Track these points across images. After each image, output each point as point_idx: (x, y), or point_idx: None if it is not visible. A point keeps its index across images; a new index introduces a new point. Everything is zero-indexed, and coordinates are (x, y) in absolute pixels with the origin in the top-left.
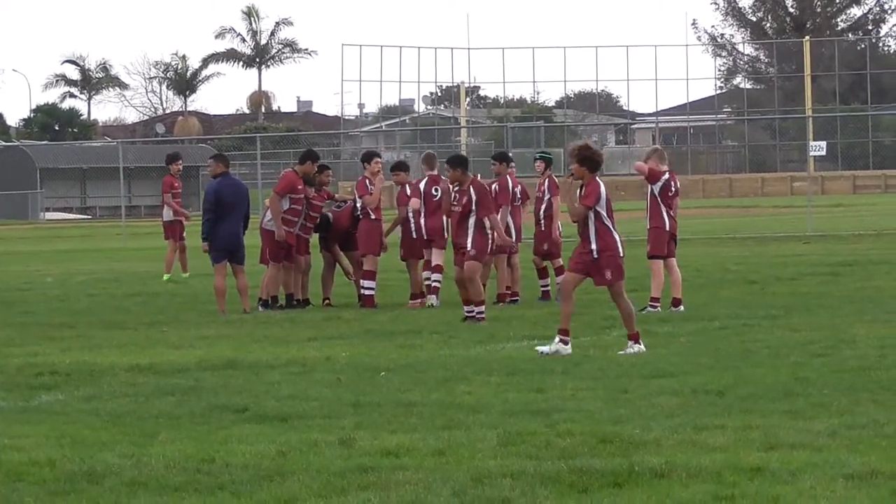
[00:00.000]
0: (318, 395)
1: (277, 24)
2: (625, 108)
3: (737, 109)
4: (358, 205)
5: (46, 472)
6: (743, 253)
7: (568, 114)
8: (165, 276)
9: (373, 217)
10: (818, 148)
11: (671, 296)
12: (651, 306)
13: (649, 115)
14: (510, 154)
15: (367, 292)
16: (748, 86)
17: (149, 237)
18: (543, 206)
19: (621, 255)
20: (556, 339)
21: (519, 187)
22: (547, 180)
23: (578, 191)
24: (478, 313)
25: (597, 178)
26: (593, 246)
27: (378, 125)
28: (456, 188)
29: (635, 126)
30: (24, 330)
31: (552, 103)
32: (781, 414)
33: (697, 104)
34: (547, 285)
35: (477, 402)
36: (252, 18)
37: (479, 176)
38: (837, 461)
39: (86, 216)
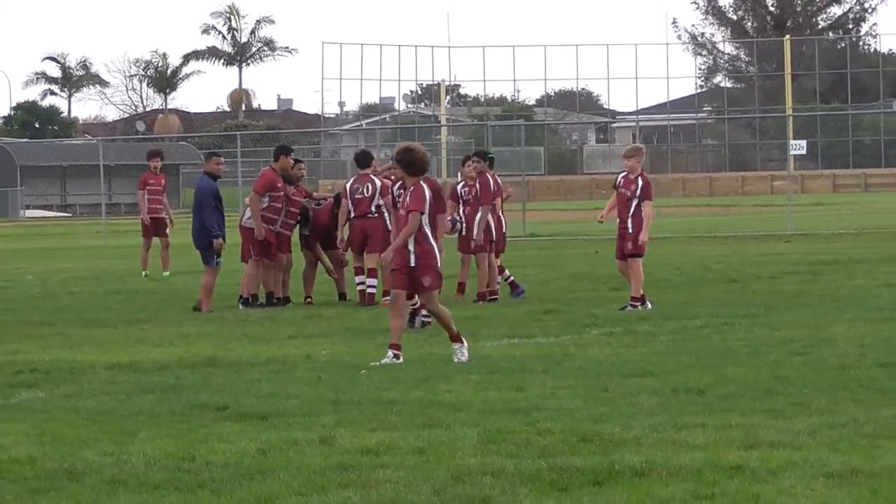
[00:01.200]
0: (299, 394)
1: (258, 21)
2: (605, 106)
3: (717, 108)
4: (377, 204)
5: (27, 470)
6: (723, 252)
7: (548, 112)
8: (143, 273)
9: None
10: (798, 147)
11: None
12: (632, 305)
13: (630, 113)
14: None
15: (371, 290)
16: (728, 84)
17: (129, 235)
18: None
19: (438, 262)
20: (389, 353)
21: (493, 184)
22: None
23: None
24: (424, 316)
25: (420, 181)
26: (411, 253)
27: (358, 123)
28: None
29: (616, 125)
30: (3, 328)
31: (532, 102)
32: (762, 413)
33: (678, 103)
34: (509, 277)
35: (457, 401)
36: (232, 17)
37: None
38: (817, 460)
39: (66, 214)
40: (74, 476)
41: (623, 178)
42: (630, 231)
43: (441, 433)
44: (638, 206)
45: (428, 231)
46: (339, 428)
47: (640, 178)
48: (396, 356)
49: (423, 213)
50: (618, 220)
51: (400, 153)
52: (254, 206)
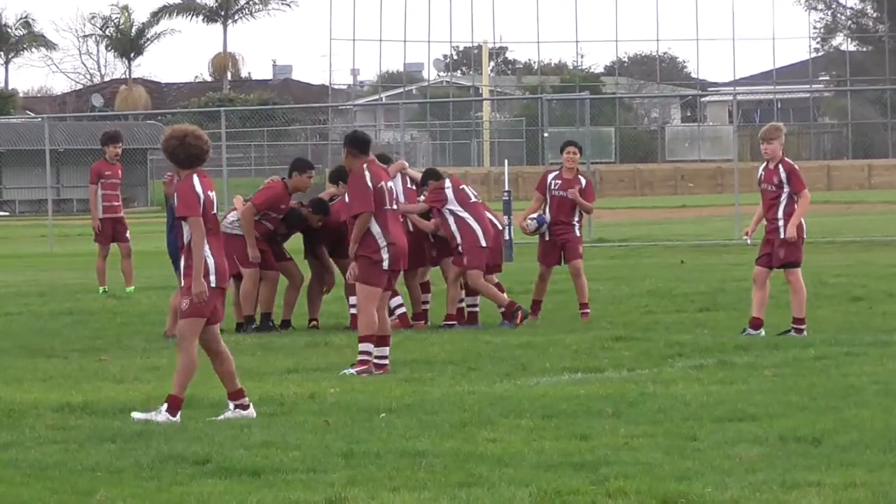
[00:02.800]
0: (300, 443)
1: None
2: (693, 75)
3: (837, 78)
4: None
5: None
6: (844, 261)
7: (620, 83)
8: (101, 290)
9: None
10: None
11: (753, 315)
12: (795, 329)
13: (725, 84)
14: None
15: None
16: (852, 47)
17: (82, 240)
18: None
19: (213, 284)
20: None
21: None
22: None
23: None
24: (377, 357)
25: (193, 176)
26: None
27: (376, 97)
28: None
29: (707, 99)
30: None
31: (600, 69)
32: (893, 468)
33: (786, 71)
34: (475, 305)
35: (503, 453)
36: None
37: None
38: None
39: (2, 213)
40: None
41: (763, 169)
42: (781, 235)
43: (483, 494)
44: (790, 200)
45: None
46: (351, 487)
47: (780, 166)
48: (171, 410)
49: (198, 217)
50: (765, 220)
51: (166, 141)
52: (247, 218)
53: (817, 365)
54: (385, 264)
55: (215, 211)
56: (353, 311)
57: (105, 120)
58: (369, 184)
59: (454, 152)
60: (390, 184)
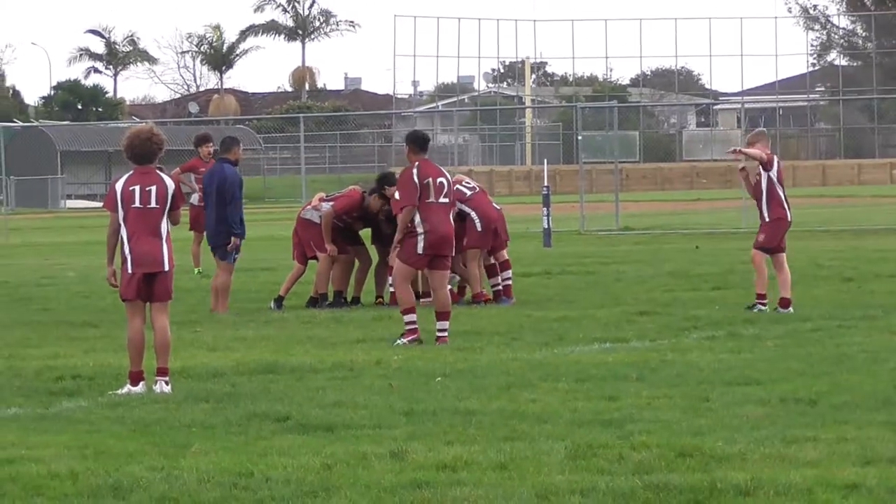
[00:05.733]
0: (367, 403)
1: None
2: (707, 86)
3: (831, 89)
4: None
5: (68, 486)
6: (837, 247)
7: (644, 93)
8: (196, 271)
9: None
10: None
11: (779, 295)
12: (760, 304)
13: (734, 94)
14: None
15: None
16: (844, 62)
17: (179, 228)
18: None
19: (129, 271)
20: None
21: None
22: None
23: None
24: (438, 330)
25: (126, 174)
26: None
27: (434, 105)
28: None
29: (718, 107)
30: (42, 329)
31: (627, 81)
32: (879, 425)
33: (787, 83)
34: (497, 284)
35: (542, 411)
36: None
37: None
38: None
39: None
40: (120, 493)
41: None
42: (768, 220)
43: (525, 447)
44: (771, 186)
45: None
46: (411, 441)
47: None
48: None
49: (111, 212)
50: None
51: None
52: (326, 220)
53: (814, 336)
54: (419, 247)
55: (142, 204)
56: (391, 288)
57: (200, 124)
58: (416, 180)
59: (500, 153)
60: (441, 179)
